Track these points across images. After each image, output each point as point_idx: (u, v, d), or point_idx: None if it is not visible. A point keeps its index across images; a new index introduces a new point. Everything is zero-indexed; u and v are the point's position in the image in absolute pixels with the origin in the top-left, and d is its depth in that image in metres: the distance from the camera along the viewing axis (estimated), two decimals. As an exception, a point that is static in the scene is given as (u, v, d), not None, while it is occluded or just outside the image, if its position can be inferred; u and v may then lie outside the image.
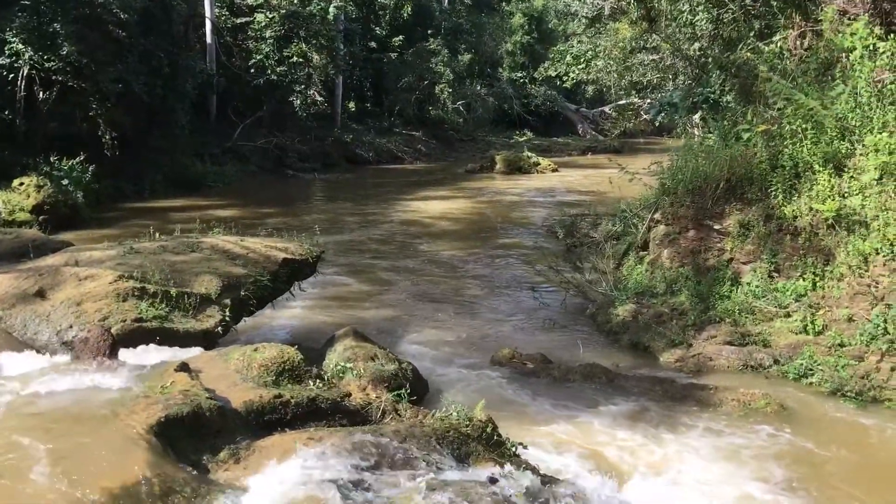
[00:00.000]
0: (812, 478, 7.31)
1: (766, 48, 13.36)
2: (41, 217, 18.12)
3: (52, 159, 20.30)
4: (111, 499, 4.71)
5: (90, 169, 20.88)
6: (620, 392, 9.33)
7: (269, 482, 5.33)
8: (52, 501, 4.56)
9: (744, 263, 11.26)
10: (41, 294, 8.29)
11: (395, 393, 7.43)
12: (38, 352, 7.51)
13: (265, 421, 6.38)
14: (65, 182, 19.76)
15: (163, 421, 5.61)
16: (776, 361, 9.83)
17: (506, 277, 15.52)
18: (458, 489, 5.51)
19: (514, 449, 6.87)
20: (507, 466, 6.25)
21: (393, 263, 16.47)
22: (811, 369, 9.47)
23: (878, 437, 8.23)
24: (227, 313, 8.92)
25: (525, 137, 47.04)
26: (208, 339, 8.40)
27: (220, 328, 8.69)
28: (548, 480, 6.70)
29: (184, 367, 6.68)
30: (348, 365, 8.00)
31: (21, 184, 19.05)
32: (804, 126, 10.92)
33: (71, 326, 7.83)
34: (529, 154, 36.34)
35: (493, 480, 5.79)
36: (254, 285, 9.52)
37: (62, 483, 4.73)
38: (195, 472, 5.40)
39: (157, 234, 10.82)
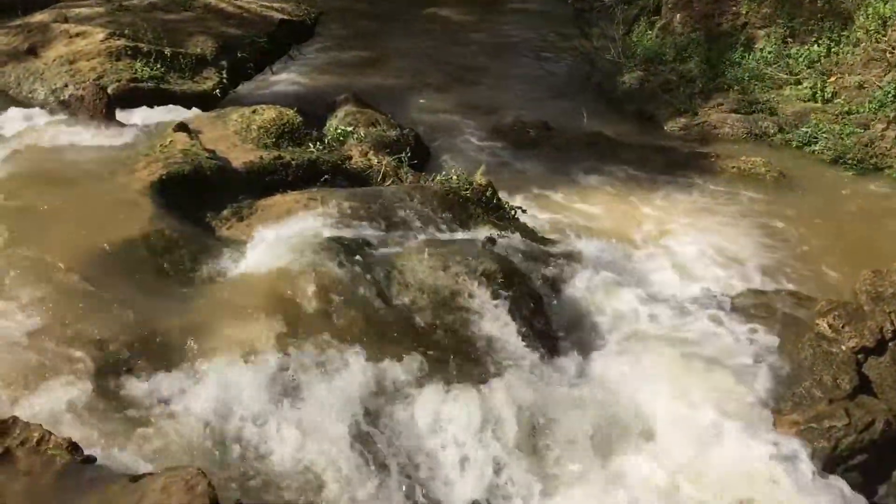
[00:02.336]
0: (804, 240, 7.50)
1: None
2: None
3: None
4: (118, 252, 4.83)
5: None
6: (622, 160, 9.33)
7: (271, 239, 5.44)
8: (60, 254, 4.68)
9: (758, 28, 10.89)
10: (33, 51, 8.07)
11: (396, 158, 7.42)
12: (33, 109, 7.46)
13: (266, 182, 6.40)
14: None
15: (164, 179, 5.64)
16: (781, 129, 9.77)
17: (512, 45, 15.01)
18: (457, 249, 5.64)
19: (513, 213, 6.97)
20: (506, 229, 6.36)
21: (396, 28, 15.86)
22: (815, 137, 9.42)
23: (874, 203, 8.34)
24: (225, 76, 8.72)
25: None
26: (206, 102, 8.27)
27: (217, 91, 8.54)
28: (545, 242, 6.88)
29: (183, 127, 6.61)
30: (349, 129, 7.94)
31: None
32: None
33: (66, 85, 7.71)
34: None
35: (491, 241, 5.91)
36: (251, 47, 9.24)
37: (68, 237, 4.83)
38: (199, 229, 5.51)
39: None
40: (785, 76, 10.27)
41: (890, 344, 5.25)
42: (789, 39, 10.52)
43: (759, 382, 5.00)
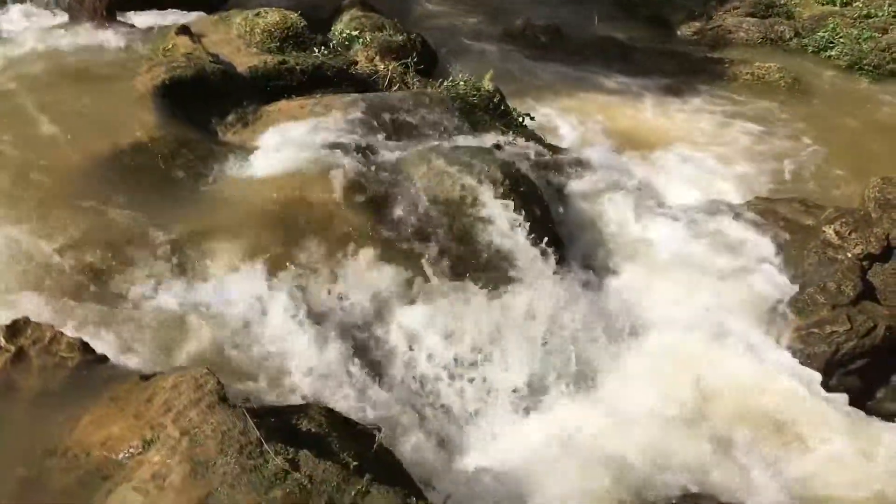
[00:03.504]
0: (816, 148, 7.41)
1: None
2: None
3: None
4: (122, 157, 4.82)
5: None
6: (633, 65, 9.16)
7: (277, 144, 5.40)
8: (66, 156, 4.67)
9: (779, -72, 10.47)
10: (29, -48, 7.84)
11: (403, 63, 7.28)
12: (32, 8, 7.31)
13: (271, 87, 6.31)
14: None
15: (167, 83, 5.55)
16: (797, 34, 9.54)
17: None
18: (464, 155, 5.59)
19: (520, 119, 6.89)
20: (513, 135, 6.29)
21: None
22: (832, 42, 9.20)
23: (890, 110, 8.20)
24: (227, -22, 8.50)
25: None
26: (209, 5, 8.09)
27: (220, -7, 8.34)
28: (553, 149, 6.81)
29: (185, 30, 6.48)
30: (355, 34, 7.77)
31: None
32: None
33: (65, -14, 7.52)
34: None
35: (497, 147, 5.85)
36: (253, -53, 8.94)
37: (73, 140, 4.81)
38: (204, 134, 5.47)
39: None
40: (804, -21, 9.96)
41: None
42: (810, -60, 10.14)
43: (764, 288, 5.03)
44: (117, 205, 4.43)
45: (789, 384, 4.52)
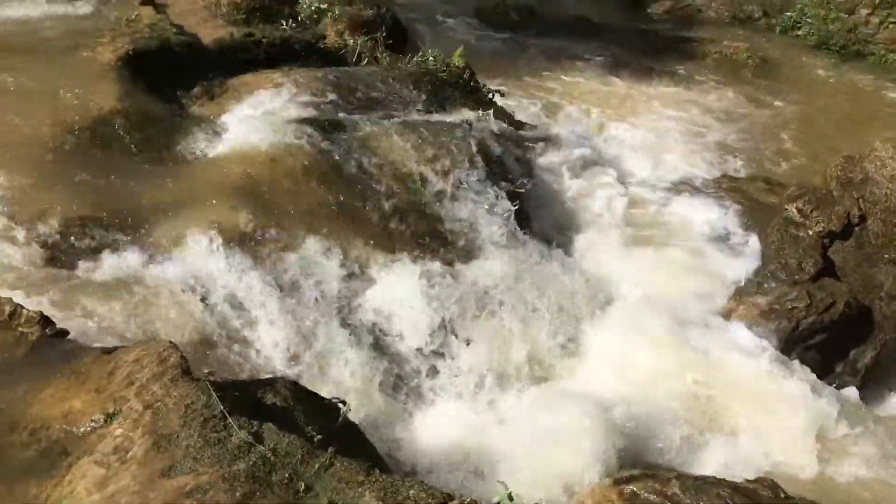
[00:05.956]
0: (782, 127, 7.50)
1: None
2: None
3: None
4: (86, 128, 4.72)
5: None
6: (604, 44, 9.19)
7: (242, 117, 5.34)
8: (27, 127, 4.58)
9: None
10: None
11: (372, 38, 7.22)
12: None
13: (237, 60, 6.22)
14: None
15: (131, 54, 5.46)
16: (766, 14, 9.64)
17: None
18: (433, 131, 5.58)
19: (490, 96, 6.87)
20: (483, 112, 6.28)
21: None
22: (799, 22, 9.30)
23: (855, 90, 8.31)
24: (193, -52, 8.33)
25: None
26: (174, -25, 7.94)
27: (185, -36, 8.17)
28: (521, 126, 6.82)
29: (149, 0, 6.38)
30: (324, 6, 7.68)
31: None
32: None
33: (25, -46, 7.33)
34: None
35: (467, 123, 5.85)
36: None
37: (34, 111, 4.70)
38: (169, 107, 5.39)
39: None
40: (774, -42, 10.01)
41: (856, 228, 5.34)
42: (783, -82, 10.19)
43: (726, 264, 5.10)
44: (82, 176, 4.36)
45: (747, 360, 4.59)
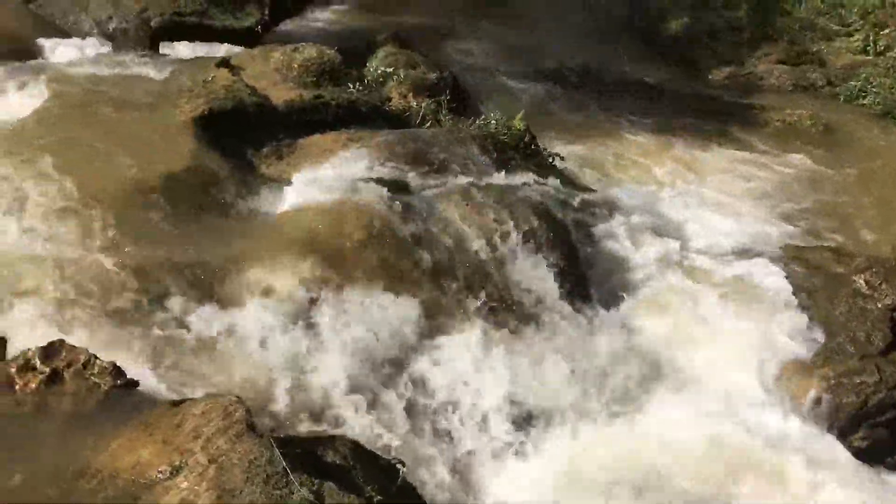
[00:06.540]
0: (847, 196, 7.38)
1: None
2: None
3: None
4: (162, 185, 4.91)
5: None
6: (664, 108, 9.20)
7: (310, 177, 5.49)
8: (109, 183, 4.78)
9: (813, -24, 10.56)
10: (78, -18, 8.14)
11: (435, 100, 7.38)
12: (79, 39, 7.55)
13: (306, 121, 6.41)
14: None
15: (206, 114, 5.69)
16: (829, 82, 9.56)
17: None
18: (494, 193, 5.65)
19: (550, 159, 6.94)
20: (543, 175, 6.33)
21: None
22: (864, 91, 9.21)
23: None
24: (267, 13, 8.70)
25: None
26: (248, 38, 8.28)
27: (259, 28, 8.53)
28: (582, 189, 6.84)
29: (225, 62, 6.64)
30: (389, 70, 7.89)
31: None
32: None
33: (110, 17, 7.80)
34: None
35: (528, 186, 5.90)
36: (293, -17, 9.17)
37: (115, 167, 4.92)
38: (240, 165, 5.57)
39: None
40: (837, 27, 10.02)
41: (927, 303, 5.20)
42: (844, -11, 10.21)
43: (792, 336, 4.99)
44: (155, 231, 4.53)
45: (807, 444, 4.46)
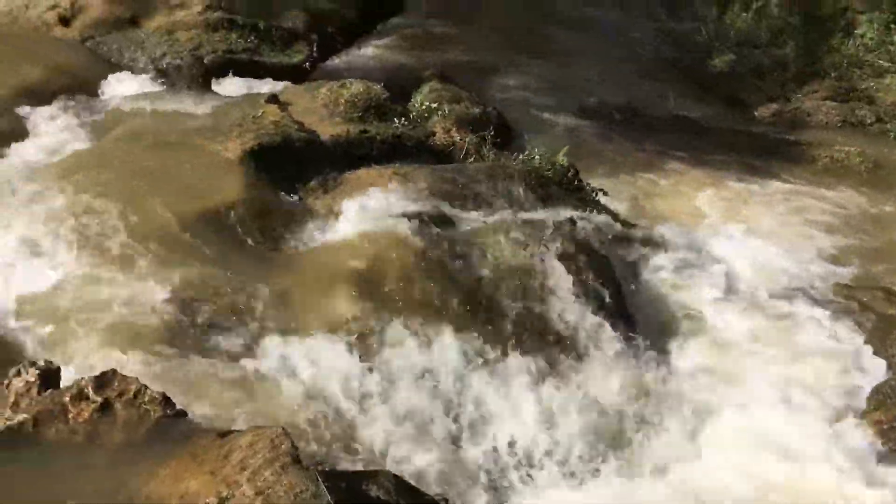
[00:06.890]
0: (892, 236, 7.24)
1: None
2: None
3: None
4: (213, 217, 5.04)
5: None
6: (709, 145, 9.14)
7: (356, 211, 5.57)
8: (160, 216, 4.91)
9: (860, 13, 10.48)
10: (134, 21, 8.46)
11: (479, 135, 7.44)
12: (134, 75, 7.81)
13: (352, 155, 6.52)
14: None
15: (256, 149, 5.83)
16: (879, 119, 9.43)
17: (598, 23, 14.77)
18: (538, 229, 5.66)
19: (594, 195, 6.93)
20: (587, 210, 6.33)
21: (482, 4, 15.78)
22: (915, 128, 9.07)
23: (976, 201, 7.99)
24: (315, 49, 8.90)
25: None
26: (296, 75, 8.47)
27: (307, 64, 8.73)
28: (626, 225, 6.81)
29: (274, 98, 6.80)
30: (433, 105, 7.99)
31: None
32: None
33: (165, 55, 8.06)
34: None
35: (571, 222, 5.90)
36: (340, 21, 9.37)
37: (167, 200, 5.05)
38: (288, 199, 5.68)
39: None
40: (886, 64, 9.89)
41: (984, 345, 5.06)
42: (893, 25, 10.08)
43: (843, 379, 4.89)
44: (206, 263, 4.62)
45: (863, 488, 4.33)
